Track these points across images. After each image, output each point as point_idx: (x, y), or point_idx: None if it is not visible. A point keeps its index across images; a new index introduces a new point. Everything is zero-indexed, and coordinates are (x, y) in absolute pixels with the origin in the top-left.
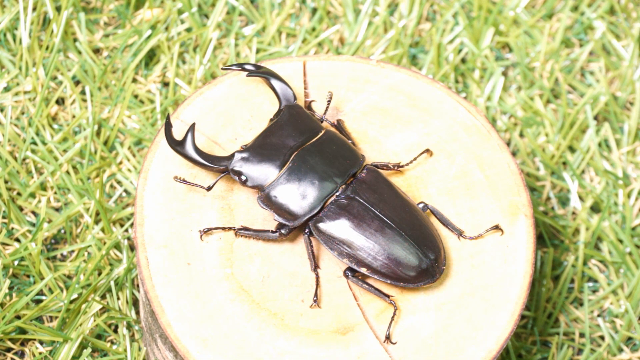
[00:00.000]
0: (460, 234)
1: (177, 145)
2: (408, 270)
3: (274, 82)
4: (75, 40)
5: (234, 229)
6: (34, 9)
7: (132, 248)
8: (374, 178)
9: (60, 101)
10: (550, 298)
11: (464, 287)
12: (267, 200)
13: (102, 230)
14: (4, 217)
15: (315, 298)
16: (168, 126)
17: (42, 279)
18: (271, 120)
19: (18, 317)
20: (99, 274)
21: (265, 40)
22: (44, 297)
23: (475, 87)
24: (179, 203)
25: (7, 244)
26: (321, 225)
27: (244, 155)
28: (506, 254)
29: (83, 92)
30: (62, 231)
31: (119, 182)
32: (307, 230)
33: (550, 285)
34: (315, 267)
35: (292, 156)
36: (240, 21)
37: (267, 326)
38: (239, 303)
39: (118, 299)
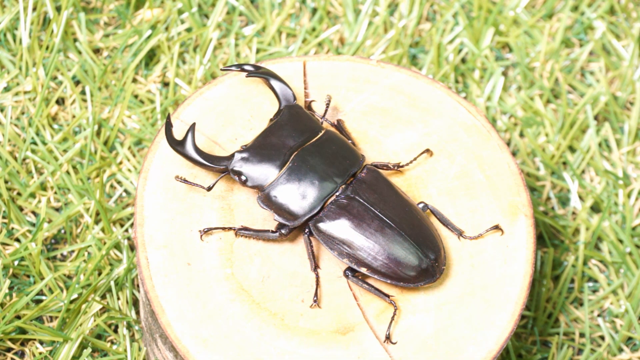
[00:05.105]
0: (460, 234)
1: (177, 145)
2: (408, 270)
3: (274, 82)
4: (75, 40)
5: (234, 229)
6: (34, 9)
7: (132, 248)
8: (374, 178)
9: (60, 101)
10: (550, 298)
11: (464, 287)
12: (267, 200)
13: (102, 230)
14: (4, 217)
15: (315, 298)
16: (168, 126)
17: (42, 279)
18: (271, 120)
19: (18, 317)
20: (99, 274)
21: (265, 40)
22: (44, 297)
23: (475, 87)
24: (179, 203)
25: (7, 244)
26: (321, 225)
27: (244, 155)
28: (506, 254)
29: (83, 92)
30: (62, 231)
31: (119, 182)
32: (307, 230)
33: (550, 285)
34: (315, 267)
35: (292, 156)
36: (240, 21)
37: (267, 326)
38: (239, 303)
39: (118, 299)
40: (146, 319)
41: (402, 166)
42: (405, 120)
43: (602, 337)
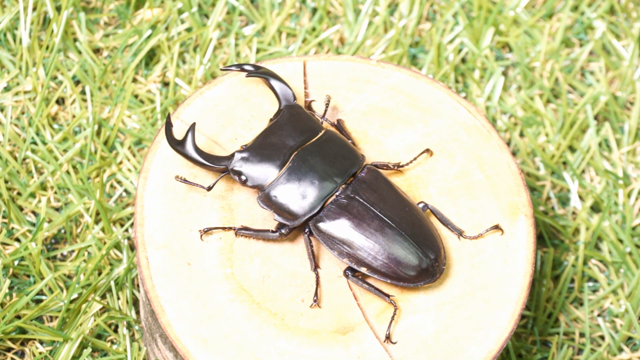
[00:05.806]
0: (460, 233)
1: (178, 145)
2: (408, 269)
3: (273, 82)
4: (75, 40)
5: (234, 229)
6: (34, 9)
7: (132, 248)
8: (374, 178)
9: (61, 101)
10: (550, 298)
11: (464, 287)
12: (267, 200)
13: (102, 230)
14: (4, 217)
15: (315, 298)
16: (168, 126)
17: (42, 278)
18: (271, 120)
19: (18, 317)
20: (99, 274)
21: (265, 40)
22: (44, 297)
23: (475, 87)
24: (179, 203)
25: (7, 244)
26: (321, 225)
27: (244, 155)
28: (506, 254)
29: (83, 92)
30: (62, 231)
31: (119, 182)
32: (307, 230)
33: (550, 285)
34: (315, 267)
35: (292, 156)
36: (241, 21)
37: (267, 326)
38: (239, 303)
39: (118, 298)
40: (146, 319)
41: (402, 166)
42: (405, 120)
43: (602, 337)
